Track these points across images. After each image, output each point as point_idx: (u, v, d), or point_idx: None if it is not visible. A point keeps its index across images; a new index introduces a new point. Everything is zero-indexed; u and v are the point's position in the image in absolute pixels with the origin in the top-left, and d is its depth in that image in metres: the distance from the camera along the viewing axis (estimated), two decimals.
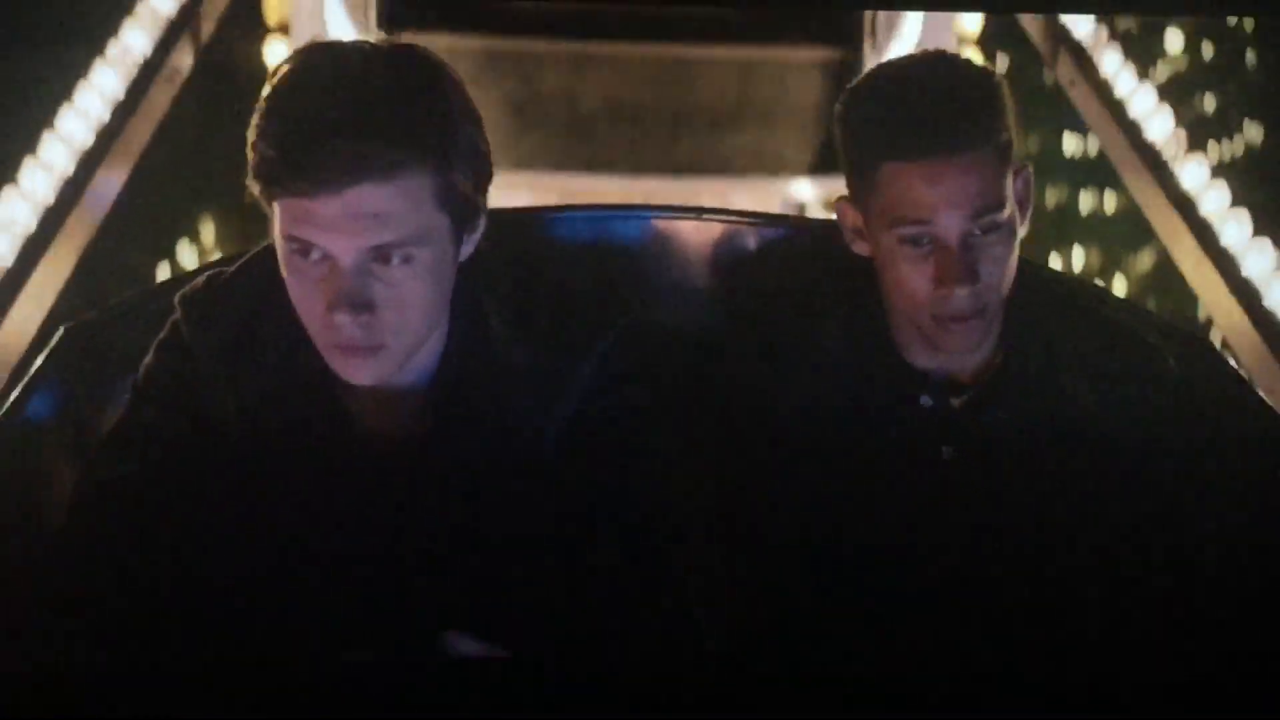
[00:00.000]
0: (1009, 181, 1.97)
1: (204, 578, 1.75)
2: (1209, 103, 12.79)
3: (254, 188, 1.79)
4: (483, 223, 1.87)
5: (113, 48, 5.99)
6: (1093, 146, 10.54)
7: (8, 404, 1.94)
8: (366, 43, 1.84)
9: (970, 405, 2.01)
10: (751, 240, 2.31)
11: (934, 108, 1.95)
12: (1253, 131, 12.17)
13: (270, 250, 1.87)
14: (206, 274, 1.92)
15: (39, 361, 1.98)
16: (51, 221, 4.60)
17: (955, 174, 1.92)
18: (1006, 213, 1.95)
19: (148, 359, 1.90)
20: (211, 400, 1.85)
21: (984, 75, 2.01)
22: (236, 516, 1.81)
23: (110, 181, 5.11)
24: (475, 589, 1.76)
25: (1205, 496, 1.93)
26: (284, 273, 1.81)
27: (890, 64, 2.13)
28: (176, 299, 1.91)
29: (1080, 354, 2.02)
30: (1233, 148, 11.97)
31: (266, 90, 1.78)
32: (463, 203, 1.80)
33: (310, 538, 1.79)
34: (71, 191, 4.78)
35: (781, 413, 2.03)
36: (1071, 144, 11.25)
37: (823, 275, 2.12)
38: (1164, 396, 2.01)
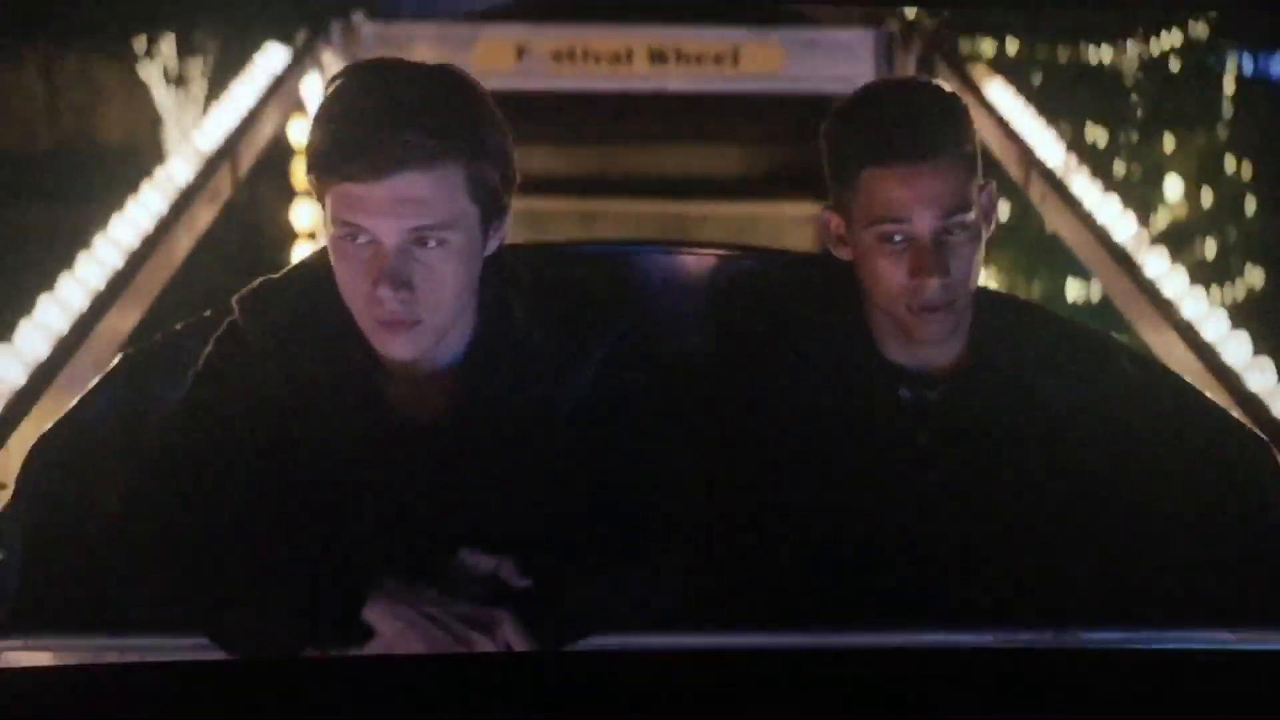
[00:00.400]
0: (975, 190, 2.27)
1: (248, 536, 1.95)
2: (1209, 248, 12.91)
3: (310, 180, 2.08)
4: (508, 221, 2.16)
5: (132, 204, 6.17)
6: (1095, 292, 10.63)
7: (71, 407, 2.22)
8: (410, 60, 2.10)
9: (944, 397, 2.28)
10: (741, 266, 2.58)
11: (908, 120, 2.24)
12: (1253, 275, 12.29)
13: (315, 258, 2.14)
14: (259, 279, 2.17)
15: (97, 379, 2.24)
16: (61, 354, 4.72)
17: (928, 177, 2.21)
18: (972, 216, 2.25)
19: (207, 349, 2.16)
20: (264, 382, 2.10)
21: (951, 95, 2.31)
22: (281, 484, 2.04)
23: (124, 320, 5.25)
24: (499, 543, 1.98)
25: (1149, 472, 2.20)
26: (333, 260, 2.08)
27: (869, 86, 2.37)
28: (234, 299, 2.17)
29: (1042, 353, 2.29)
30: (1234, 291, 12.05)
31: (323, 96, 2.05)
32: (491, 197, 2.10)
33: (347, 504, 2.02)
34: (84, 328, 4.92)
35: (775, 403, 2.27)
36: (1074, 289, 11.36)
37: (808, 290, 2.37)
38: (1117, 389, 2.26)
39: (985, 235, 2.27)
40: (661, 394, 2.17)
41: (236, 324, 2.17)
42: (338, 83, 2.10)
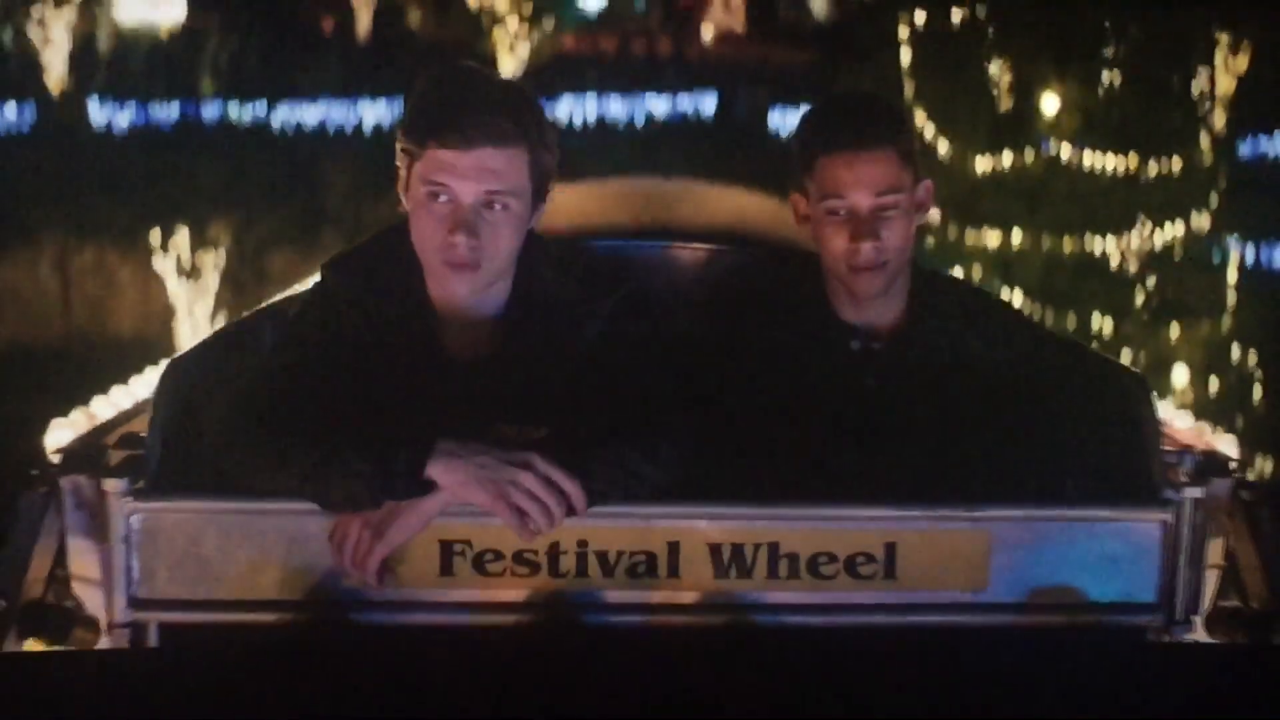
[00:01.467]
0: (909, 178, 2.82)
1: (337, 423, 2.48)
2: None
3: (407, 144, 2.59)
4: (546, 203, 2.71)
5: None
6: None
7: (198, 343, 2.81)
8: (489, 69, 2.72)
9: (886, 348, 2.86)
10: (727, 255, 3.16)
11: (853, 119, 2.84)
12: None
13: (382, 235, 2.71)
14: (341, 253, 2.75)
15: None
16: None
17: (864, 162, 2.79)
18: (901, 197, 2.80)
19: (302, 299, 2.76)
20: (345, 323, 2.66)
21: (895, 108, 2.91)
22: (360, 390, 2.58)
23: None
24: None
25: (1048, 401, 2.82)
26: (414, 212, 2.61)
27: (829, 96, 2.96)
28: (322, 264, 2.73)
29: (966, 315, 2.88)
30: None
31: (416, 87, 2.58)
32: (543, 179, 2.66)
33: (410, 422, 2.48)
34: None
35: (751, 349, 2.85)
36: None
37: (781, 270, 2.96)
38: (1023, 341, 2.89)
39: (918, 218, 2.85)
40: (656, 337, 2.71)
41: (325, 281, 2.73)
42: (436, 73, 2.64)
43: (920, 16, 19.86)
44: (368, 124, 27.31)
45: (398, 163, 2.66)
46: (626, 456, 2.50)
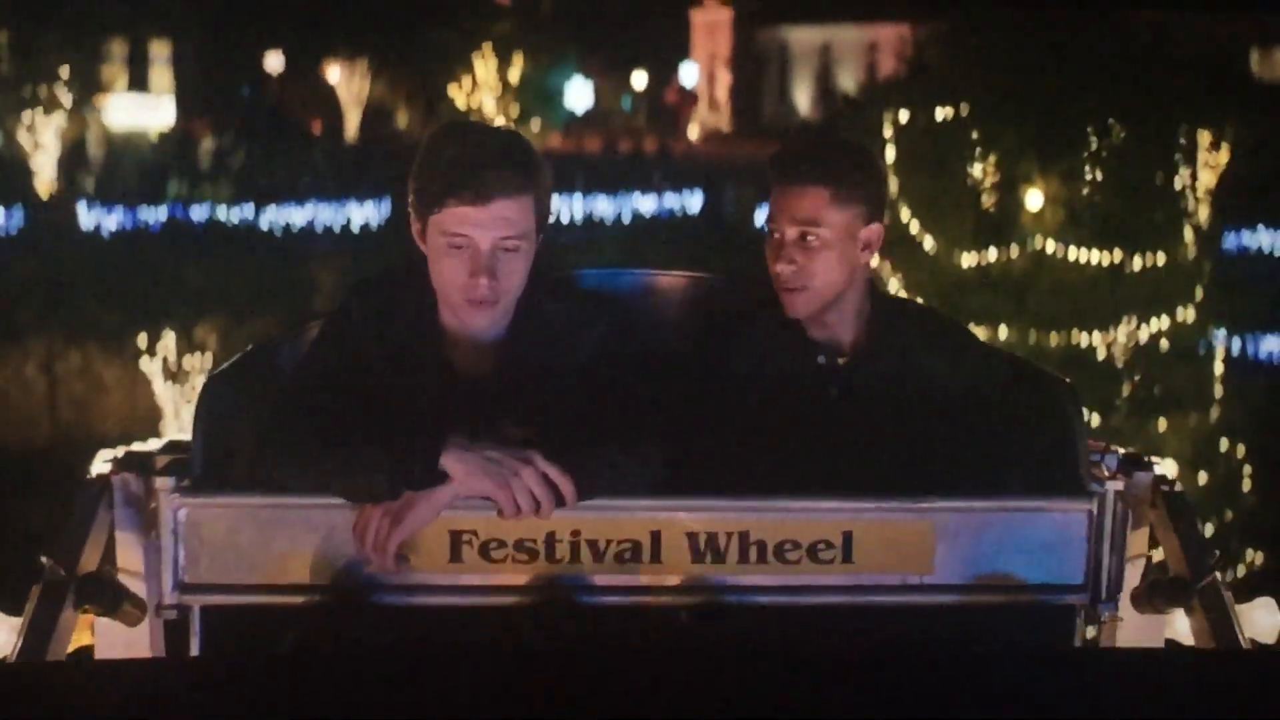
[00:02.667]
0: (843, 217, 3.03)
1: (358, 427, 2.76)
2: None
3: (421, 203, 2.87)
4: (542, 239, 2.98)
5: None
6: None
7: (229, 363, 3.09)
8: (487, 124, 3.14)
9: (848, 362, 3.09)
10: (704, 282, 3.44)
11: (795, 157, 3.09)
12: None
13: (396, 269, 3.03)
14: (363, 278, 3.06)
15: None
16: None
17: (792, 197, 3.03)
18: (824, 231, 3.02)
19: (321, 327, 3.04)
20: (364, 344, 2.95)
21: (847, 154, 3.13)
22: (379, 400, 2.86)
23: None
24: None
25: (990, 408, 3.08)
26: (435, 258, 2.88)
27: (794, 139, 3.18)
28: (349, 288, 3.05)
29: (920, 334, 3.12)
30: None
31: (428, 139, 2.91)
32: (544, 220, 2.94)
33: (421, 434, 2.76)
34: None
35: (728, 362, 3.11)
36: None
37: (752, 294, 3.20)
38: (970, 358, 3.12)
39: (853, 252, 3.05)
40: (641, 355, 3.02)
41: (348, 303, 3.01)
42: (436, 134, 2.94)
43: (904, 114, 20.01)
44: (355, 223, 27.45)
45: (410, 211, 2.92)
46: (614, 457, 2.81)
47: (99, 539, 2.88)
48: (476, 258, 2.84)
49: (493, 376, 2.95)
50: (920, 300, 10.19)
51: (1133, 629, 2.92)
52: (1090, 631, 2.96)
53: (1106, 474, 2.88)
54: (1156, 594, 2.85)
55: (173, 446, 3.00)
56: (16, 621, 2.79)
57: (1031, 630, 2.86)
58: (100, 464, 3.01)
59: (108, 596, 2.77)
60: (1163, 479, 2.99)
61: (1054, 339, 18.04)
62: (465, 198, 2.81)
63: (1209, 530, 12.41)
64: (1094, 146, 19.57)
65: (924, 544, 2.82)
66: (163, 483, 2.78)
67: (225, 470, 2.88)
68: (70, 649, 2.81)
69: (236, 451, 2.90)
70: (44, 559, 2.80)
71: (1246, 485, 13.79)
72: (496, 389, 2.93)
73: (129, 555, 2.89)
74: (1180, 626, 2.98)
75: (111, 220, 26.36)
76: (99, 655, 2.91)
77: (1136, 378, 17.51)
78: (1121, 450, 3.03)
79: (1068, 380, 3.06)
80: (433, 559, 2.79)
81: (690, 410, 3.00)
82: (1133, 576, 2.93)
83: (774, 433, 3.03)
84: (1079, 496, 2.84)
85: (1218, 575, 2.84)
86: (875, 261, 3.18)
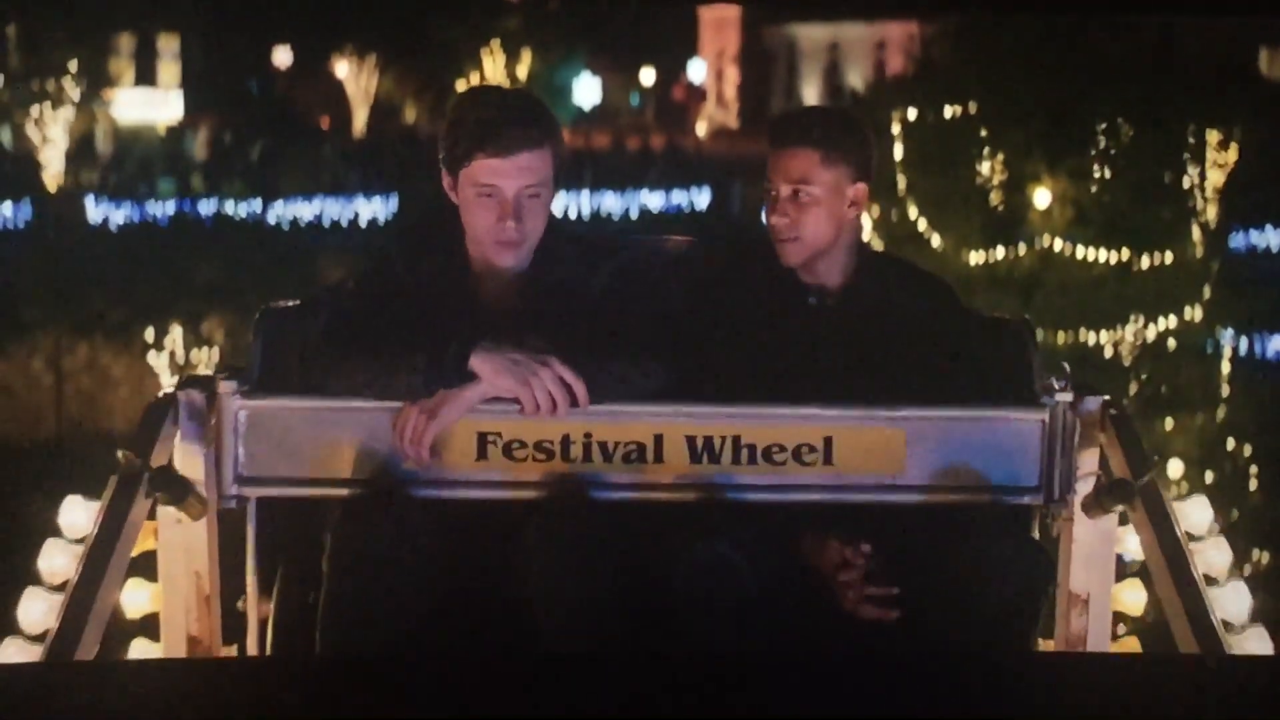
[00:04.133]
0: (832, 176, 3.39)
1: (398, 339, 3.17)
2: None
3: (453, 156, 3.25)
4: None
5: None
6: None
7: (254, 329, 3.38)
8: (508, 87, 3.68)
9: (836, 302, 3.44)
10: (706, 243, 3.74)
11: (789, 123, 3.50)
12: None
13: (425, 219, 3.47)
14: (404, 230, 3.93)
15: (255, 322, 3.37)
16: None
17: (786, 158, 3.40)
18: (814, 189, 3.38)
19: (365, 266, 3.42)
20: (400, 279, 3.33)
21: (836, 121, 3.51)
22: (413, 321, 3.21)
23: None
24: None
25: (955, 343, 3.41)
26: (466, 207, 3.27)
27: (797, 107, 3.89)
28: (398, 230, 4.23)
29: (898, 278, 3.49)
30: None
31: (456, 102, 3.34)
32: (560, 169, 3.32)
33: (453, 341, 3.14)
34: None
35: (730, 300, 3.46)
36: None
37: (755, 245, 3.53)
38: (942, 299, 3.49)
39: (840, 208, 3.40)
40: (648, 291, 3.37)
41: (388, 248, 3.45)
42: (465, 99, 3.37)
43: (912, 113, 20.00)
44: (364, 219, 27.44)
45: (442, 168, 3.30)
46: (622, 368, 3.19)
47: (166, 446, 3.20)
48: (504, 204, 3.23)
49: (514, 306, 3.31)
50: None
51: (1085, 533, 3.23)
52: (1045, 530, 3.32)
53: (1057, 388, 3.23)
54: (1104, 495, 3.16)
55: (230, 369, 3.31)
56: (95, 505, 3.10)
57: (991, 531, 3.14)
58: (167, 386, 3.39)
59: (176, 487, 3.09)
60: (1110, 403, 3.29)
61: (1061, 337, 18.02)
62: (492, 151, 3.21)
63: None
64: (1102, 145, 19.55)
65: (896, 448, 3.21)
66: (226, 387, 3.18)
67: (279, 379, 3.29)
68: (136, 552, 3.14)
69: (289, 363, 3.33)
70: (120, 453, 3.13)
71: (1253, 484, 13.77)
72: (517, 317, 3.28)
73: (190, 462, 3.18)
74: (1130, 543, 3.27)
75: (119, 214, 26.36)
76: (161, 558, 3.21)
77: (1143, 377, 17.48)
78: (1069, 369, 3.37)
79: (1026, 318, 3.49)
80: (462, 457, 3.17)
81: (692, 344, 3.36)
82: (1085, 492, 3.24)
83: (771, 360, 3.38)
84: (1033, 408, 3.22)
85: (1154, 476, 3.18)
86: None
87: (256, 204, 27.10)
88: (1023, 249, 19.78)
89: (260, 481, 3.20)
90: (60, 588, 2.97)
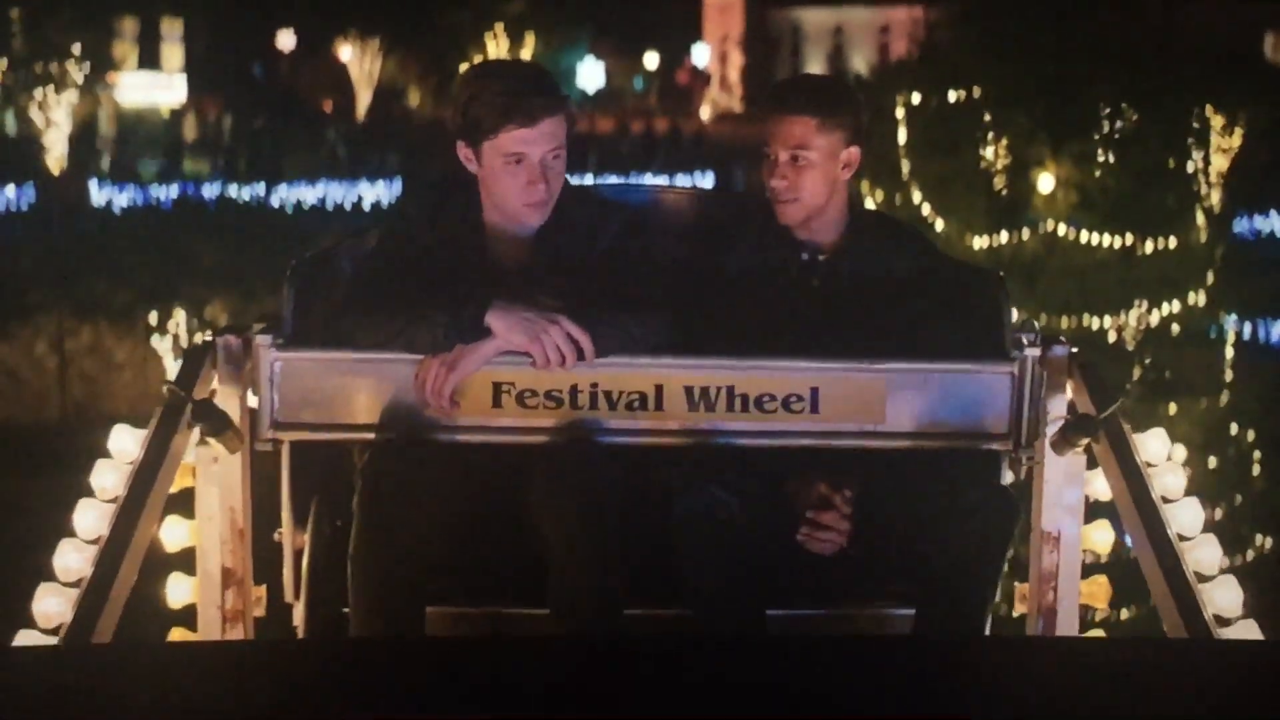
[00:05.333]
0: (827, 141, 3.60)
1: (418, 296, 3.41)
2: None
3: (479, 130, 3.43)
4: None
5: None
6: None
7: (285, 283, 3.60)
8: (518, 59, 4.26)
9: (828, 258, 3.68)
10: (706, 196, 4.01)
11: (786, 92, 3.76)
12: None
13: (441, 181, 3.69)
14: (411, 184, 4.45)
15: (287, 275, 3.59)
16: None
17: (785, 124, 3.61)
18: (810, 154, 3.60)
19: (383, 227, 3.68)
20: (418, 240, 3.57)
21: (829, 91, 3.77)
22: (434, 277, 3.46)
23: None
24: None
25: (935, 292, 3.65)
26: (495, 173, 3.47)
27: (795, 75, 4.27)
28: (414, 188, 4.18)
29: (886, 236, 3.74)
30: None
31: (469, 78, 3.51)
32: (572, 132, 3.55)
33: (470, 299, 3.39)
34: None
35: (728, 255, 3.71)
36: None
37: (754, 204, 3.77)
38: (925, 255, 3.75)
39: (834, 170, 3.61)
40: (651, 247, 3.62)
41: (406, 207, 3.68)
42: (479, 75, 3.54)
43: (916, 97, 19.98)
44: (367, 202, 27.44)
45: (460, 140, 3.51)
46: (626, 323, 3.43)
47: (205, 387, 3.44)
48: (532, 169, 3.44)
49: (526, 265, 3.55)
50: None
51: (1055, 475, 3.45)
52: (1012, 476, 3.58)
53: (1026, 343, 3.45)
54: (1070, 430, 3.35)
55: (266, 317, 3.56)
56: (141, 433, 3.36)
57: (962, 475, 3.40)
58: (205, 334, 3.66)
59: (216, 419, 3.30)
60: (1076, 353, 3.53)
61: (1065, 322, 18.01)
62: (520, 121, 3.42)
63: (1218, 514, 12.42)
64: (1106, 130, 19.52)
65: (877, 398, 3.44)
66: (262, 340, 3.42)
67: (310, 333, 3.52)
68: (175, 489, 3.38)
69: (318, 312, 3.57)
70: (165, 386, 3.41)
71: (1256, 470, 13.75)
72: (529, 274, 3.52)
73: (228, 404, 3.40)
74: (1097, 485, 3.49)
75: (122, 198, 26.36)
76: (199, 495, 3.45)
77: (1147, 361, 17.47)
78: (1039, 326, 3.63)
79: (1000, 274, 3.72)
80: (479, 405, 3.41)
81: (693, 295, 3.63)
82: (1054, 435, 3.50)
83: (765, 313, 3.61)
84: (1003, 361, 3.45)
85: (1116, 410, 3.39)
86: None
87: (260, 187, 27.09)
88: (1026, 234, 19.76)
89: (294, 426, 3.45)
90: (75, 587, 3.09)
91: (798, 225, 3.65)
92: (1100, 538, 3.56)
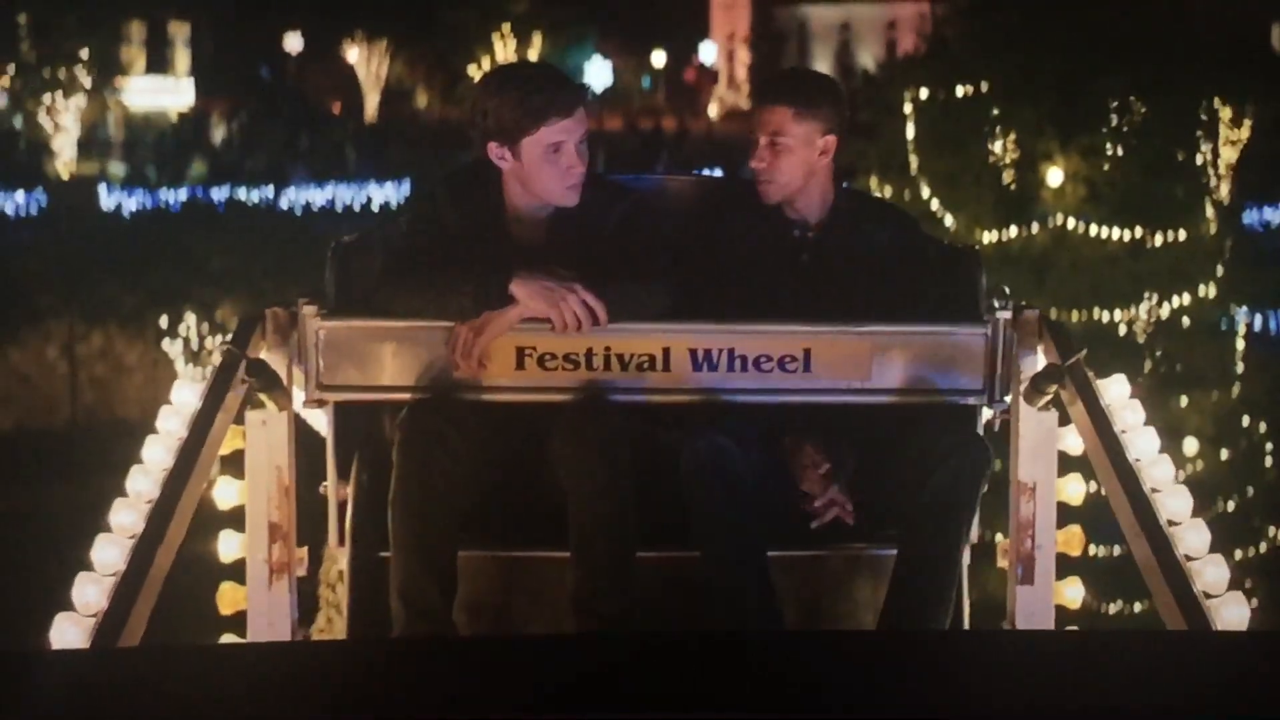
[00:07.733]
0: (803, 129, 3.93)
1: (448, 270, 3.76)
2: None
3: (520, 128, 3.75)
4: None
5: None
6: None
7: (328, 261, 3.97)
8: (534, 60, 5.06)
9: (816, 234, 4.03)
10: (706, 183, 4.58)
11: (769, 85, 4.18)
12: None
13: (468, 168, 3.97)
14: (447, 174, 4.08)
15: (329, 254, 3.97)
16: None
17: (766, 113, 3.96)
18: (788, 140, 3.93)
19: (414, 210, 4.07)
20: (446, 221, 3.92)
21: (810, 84, 4.07)
22: (461, 254, 3.80)
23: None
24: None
25: (915, 269, 4.01)
26: (537, 162, 3.79)
27: (783, 69, 4.36)
28: (439, 180, 4.04)
29: (871, 214, 4.11)
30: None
31: (493, 88, 3.83)
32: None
33: (495, 270, 3.74)
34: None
35: (725, 231, 4.06)
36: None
37: (748, 187, 4.10)
38: (907, 230, 4.12)
39: (811, 156, 3.93)
40: (656, 227, 3.96)
41: (435, 192, 4.01)
42: (508, 79, 3.85)
43: (924, 92, 19.96)
44: (376, 203, 27.44)
45: (493, 140, 3.79)
46: (636, 292, 3.78)
47: (255, 354, 3.75)
48: (570, 155, 3.80)
49: (545, 242, 3.90)
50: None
51: (1030, 429, 3.78)
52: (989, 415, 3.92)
53: (998, 307, 3.77)
54: (1039, 379, 3.68)
55: (310, 293, 3.85)
56: (199, 387, 3.74)
57: (939, 427, 3.75)
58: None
59: (267, 376, 3.63)
60: (1045, 316, 3.90)
61: (1075, 316, 17.97)
62: (561, 113, 3.78)
63: (1230, 506, 12.36)
64: (1114, 123, 19.47)
65: (864, 358, 3.78)
66: (309, 309, 3.76)
67: (351, 304, 3.87)
68: (226, 450, 3.73)
69: (357, 285, 3.92)
70: (223, 346, 3.79)
71: (1268, 461, 13.68)
72: (547, 249, 3.86)
73: (277, 368, 3.72)
74: (1069, 440, 3.79)
75: (131, 202, 26.37)
76: (248, 455, 3.76)
77: (1158, 354, 17.42)
78: (1008, 291, 3.91)
79: (975, 247, 4.25)
80: (504, 367, 3.75)
81: (696, 268, 3.96)
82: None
83: (761, 284, 3.96)
84: (977, 324, 3.78)
85: (1080, 358, 3.72)
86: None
87: (269, 190, 27.09)
88: (1036, 228, 19.73)
89: (337, 388, 3.79)
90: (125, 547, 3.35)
91: (784, 204, 4.01)
92: (1073, 490, 3.87)
